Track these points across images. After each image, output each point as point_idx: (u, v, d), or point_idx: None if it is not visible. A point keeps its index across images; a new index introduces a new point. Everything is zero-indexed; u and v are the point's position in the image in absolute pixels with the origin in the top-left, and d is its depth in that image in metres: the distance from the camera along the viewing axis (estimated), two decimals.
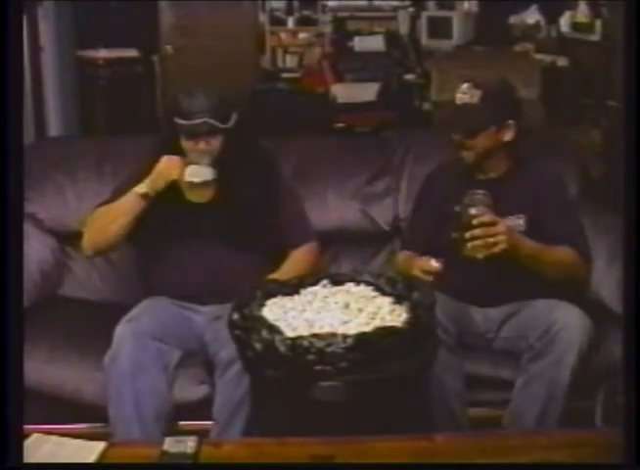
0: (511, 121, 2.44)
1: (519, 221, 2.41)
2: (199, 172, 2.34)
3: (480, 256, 2.23)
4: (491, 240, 2.21)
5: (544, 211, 2.44)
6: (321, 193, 2.93)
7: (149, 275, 2.53)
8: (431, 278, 2.27)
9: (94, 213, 2.48)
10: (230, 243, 2.43)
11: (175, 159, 2.38)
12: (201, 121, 2.36)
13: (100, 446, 1.80)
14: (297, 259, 2.52)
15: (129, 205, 2.38)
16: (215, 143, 2.40)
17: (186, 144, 2.41)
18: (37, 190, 2.86)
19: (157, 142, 2.59)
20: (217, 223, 2.43)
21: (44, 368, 2.38)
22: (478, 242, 2.21)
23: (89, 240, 2.47)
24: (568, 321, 2.27)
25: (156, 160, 2.42)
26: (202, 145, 2.39)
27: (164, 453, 1.74)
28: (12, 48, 1.55)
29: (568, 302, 2.38)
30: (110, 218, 2.41)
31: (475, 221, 2.20)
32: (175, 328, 2.36)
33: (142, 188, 2.37)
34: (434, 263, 2.29)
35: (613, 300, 2.47)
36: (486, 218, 2.21)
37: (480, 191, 2.24)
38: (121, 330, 2.28)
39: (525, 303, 2.42)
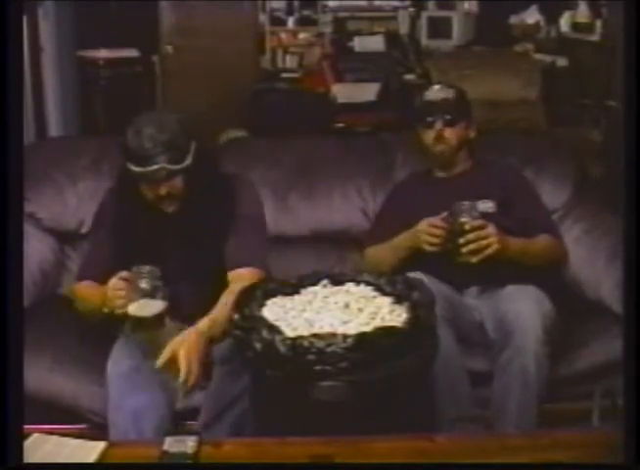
0: (471, 122, 2.72)
1: (489, 204, 2.57)
2: (145, 307, 2.03)
3: (474, 260, 2.33)
4: (484, 242, 2.32)
5: (513, 201, 2.61)
6: (323, 194, 2.94)
7: None
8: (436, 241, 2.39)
9: (79, 291, 2.33)
10: (190, 272, 2.27)
11: (120, 287, 2.05)
12: (157, 167, 2.14)
13: (100, 445, 1.80)
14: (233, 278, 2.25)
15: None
16: (176, 184, 2.20)
17: (146, 189, 2.22)
18: (37, 190, 2.86)
19: (116, 186, 2.38)
20: (178, 258, 2.27)
21: (45, 376, 2.37)
22: (472, 246, 2.32)
23: (80, 313, 2.35)
24: (520, 309, 2.30)
25: (122, 209, 2.29)
26: (162, 190, 2.19)
27: (164, 453, 1.74)
28: (12, 48, 1.55)
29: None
30: (92, 307, 2.24)
31: (467, 227, 2.33)
32: None
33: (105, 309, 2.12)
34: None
35: (613, 300, 2.47)
36: (477, 223, 2.34)
37: (465, 202, 2.39)
38: (118, 347, 2.24)
39: (494, 291, 2.45)
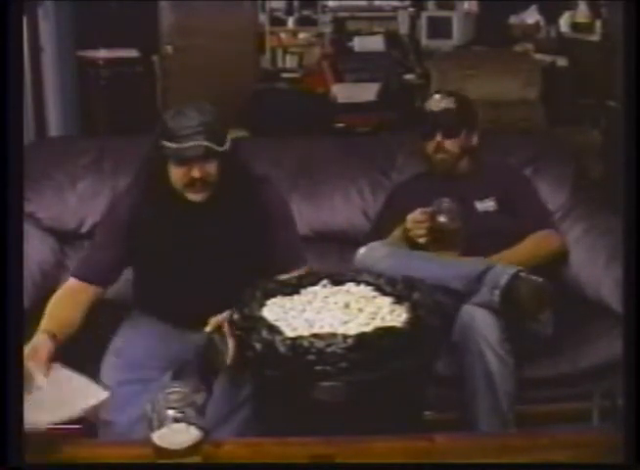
0: (474, 129, 2.72)
1: (490, 203, 2.63)
2: (174, 436, 1.64)
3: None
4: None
5: (512, 200, 2.65)
6: (323, 194, 2.94)
7: (144, 296, 2.38)
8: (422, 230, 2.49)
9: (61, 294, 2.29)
10: (223, 274, 2.23)
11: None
12: (195, 144, 2.09)
13: (104, 394, 1.84)
14: None
15: None
16: (211, 168, 2.14)
17: (176, 172, 2.14)
18: (37, 190, 2.86)
19: (141, 170, 2.32)
20: (211, 253, 2.24)
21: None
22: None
23: None
24: (473, 311, 2.27)
25: (143, 197, 2.21)
26: (195, 172, 2.12)
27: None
28: (12, 48, 1.55)
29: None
30: None
31: (444, 228, 2.46)
32: (163, 349, 2.27)
33: None
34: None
35: (613, 299, 2.47)
36: (453, 226, 2.46)
37: (446, 199, 2.48)
38: (106, 364, 2.22)
39: None
